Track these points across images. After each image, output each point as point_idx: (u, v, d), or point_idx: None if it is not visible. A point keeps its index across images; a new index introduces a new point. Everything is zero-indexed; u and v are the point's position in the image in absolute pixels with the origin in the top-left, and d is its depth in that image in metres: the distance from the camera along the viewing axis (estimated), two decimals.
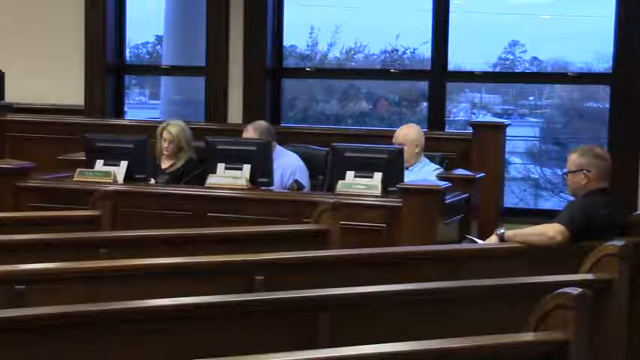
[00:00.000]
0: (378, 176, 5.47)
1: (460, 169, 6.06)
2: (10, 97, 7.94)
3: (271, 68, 7.79)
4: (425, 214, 5.11)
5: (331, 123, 8.78)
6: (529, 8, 8.41)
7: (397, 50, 8.59)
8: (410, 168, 6.02)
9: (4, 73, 7.92)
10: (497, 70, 8.48)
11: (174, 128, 6.43)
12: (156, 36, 9.35)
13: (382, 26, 8.45)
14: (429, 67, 7.53)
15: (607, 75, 7.22)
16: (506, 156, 7.13)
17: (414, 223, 5.10)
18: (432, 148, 6.33)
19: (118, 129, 7.27)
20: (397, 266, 4.17)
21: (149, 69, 9.30)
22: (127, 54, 8.51)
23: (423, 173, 5.98)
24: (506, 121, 7.10)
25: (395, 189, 5.35)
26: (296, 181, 5.91)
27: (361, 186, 5.45)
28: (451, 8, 7.37)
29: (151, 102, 10.07)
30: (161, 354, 3.05)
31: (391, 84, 8.79)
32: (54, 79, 8.15)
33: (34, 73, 8.16)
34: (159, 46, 9.33)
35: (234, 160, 5.79)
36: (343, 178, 5.53)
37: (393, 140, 6.14)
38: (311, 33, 8.65)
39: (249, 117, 7.31)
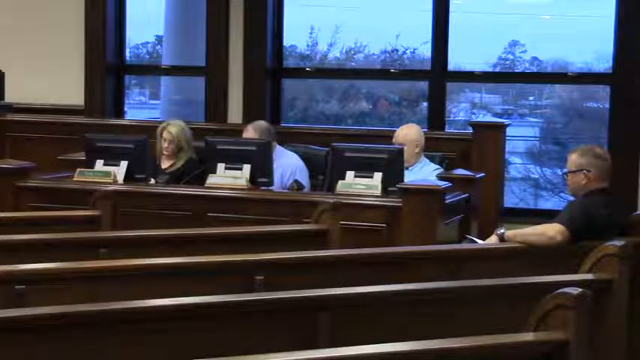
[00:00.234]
0: (378, 176, 5.47)
1: (460, 169, 6.06)
2: (10, 97, 7.94)
3: (271, 68, 7.79)
4: (425, 214, 5.11)
5: (331, 123, 8.78)
6: (529, 8, 8.41)
7: (397, 50, 8.59)
8: (410, 168, 6.02)
9: (4, 73, 7.92)
10: (497, 70, 8.48)
11: (174, 128, 6.43)
12: (156, 36, 9.36)
13: (382, 26, 8.45)
14: (429, 67, 7.53)
15: (607, 75, 7.22)
16: (506, 156, 7.13)
17: (414, 223, 5.10)
18: (432, 148, 6.33)
19: (118, 129, 7.27)
20: (397, 266, 4.17)
21: (149, 69, 9.30)
22: (127, 54, 8.51)
23: (423, 173, 5.98)
24: (506, 121, 7.10)
25: (395, 189, 5.35)
26: (296, 181, 5.91)
27: (361, 186, 5.45)
28: (451, 8, 7.37)
29: (151, 102, 10.07)
30: (161, 354, 3.05)
31: (391, 84, 8.79)
32: (54, 79, 8.15)
33: (34, 73, 8.16)
34: (159, 46, 9.33)
35: (234, 160, 5.79)
36: (343, 178, 5.53)
37: (393, 140, 6.14)
38: (311, 33, 8.65)
39: (249, 117, 7.31)
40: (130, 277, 3.70)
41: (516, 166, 9.09)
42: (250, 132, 6.33)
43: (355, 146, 5.82)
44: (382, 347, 2.71)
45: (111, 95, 8.17)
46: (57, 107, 8.01)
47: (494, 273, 3.90)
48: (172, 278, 3.75)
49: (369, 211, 5.29)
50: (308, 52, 8.74)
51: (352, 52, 8.79)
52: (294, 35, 8.28)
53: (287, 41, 8.07)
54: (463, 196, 5.62)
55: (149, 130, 6.72)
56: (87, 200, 5.01)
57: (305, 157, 6.39)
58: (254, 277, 3.78)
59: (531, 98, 9.16)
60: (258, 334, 3.19)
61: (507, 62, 8.66)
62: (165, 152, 6.41)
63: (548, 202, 8.82)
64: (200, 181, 5.94)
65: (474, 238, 5.07)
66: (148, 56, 9.60)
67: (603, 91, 7.61)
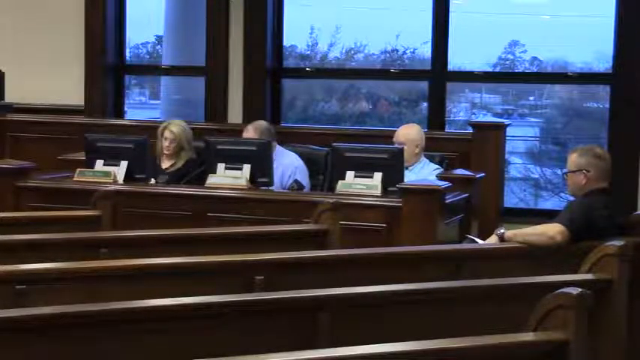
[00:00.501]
0: (378, 176, 5.47)
1: (460, 169, 6.06)
2: (10, 97, 7.94)
3: (271, 68, 7.79)
4: (425, 214, 5.11)
5: (331, 123, 8.78)
6: (529, 8, 8.41)
7: (397, 50, 8.59)
8: (410, 168, 6.02)
9: (4, 73, 7.92)
10: (497, 70, 8.47)
11: (175, 127, 6.43)
12: (156, 36, 9.35)
13: (382, 26, 8.45)
14: (429, 67, 7.53)
15: (607, 75, 7.22)
16: (506, 156, 7.13)
17: (414, 223, 5.11)
18: (432, 148, 6.33)
19: (118, 129, 7.26)
20: (397, 266, 4.17)
21: (149, 69, 9.29)
22: (127, 54, 8.51)
23: (423, 173, 5.98)
24: (506, 121, 7.10)
25: (395, 189, 5.35)
26: (296, 181, 5.91)
27: (361, 186, 5.45)
28: (451, 8, 7.37)
29: (151, 102, 10.06)
30: (161, 354, 3.05)
31: (391, 84, 8.78)
32: (54, 79, 8.15)
33: (34, 73, 8.16)
34: (159, 46, 9.33)
35: (234, 160, 5.79)
36: (343, 178, 5.53)
37: (394, 140, 6.14)
38: (311, 33, 8.65)
39: (249, 117, 7.31)
40: (130, 277, 3.70)
41: (516, 166, 9.09)
42: (250, 132, 6.33)
43: (355, 146, 5.82)
44: (382, 347, 2.71)
45: (111, 95, 8.17)
46: (57, 107, 8.01)
47: (494, 273, 3.90)
48: (172, 278, 3.75)
49: (369, 211, 5.29)
50: (308, 52, 8.74)
51: (352, 52, 8.79)
52: (294, 35, 8.28)
53: (287, 41, 8.06)
54: (463, 196, 5.62)
55: (149, 130, 6.72)
56: (87, 200, 5.01)
57: (305, 157, 6.39)
58: (254, 277, 3.78)
59: (531, 98, 9.15)
60: (258, 334, 3.19)
61: (507, 62, 8.66)
62: (166, 152, 6.41)
63: (548, 202, 8.81)
64: (200, 181, 5.94)
65: (475, 238, 5.06)
66: (148, 56, 9.59)
67: (603, 91, 7.61)
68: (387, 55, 8.67)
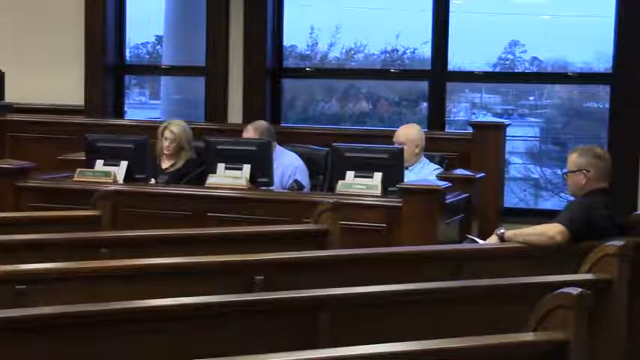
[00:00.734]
0: (378, 176, 5.47)
1: (460, 169, 6.06)
2: (10, 97, 7.94)
3: (271, 68, 7.79)
4: (425, 214, 5.11)
5: (331, 123, 8.77)
6: (529, 8, 8.41)
7: (397, 50, 8.58)
8: (410, 168, 6.02)
9: (4, 73, 7.92)
10: (497, 70, 8.47)
11: (176, 127, 6.43)
12: (156, 36, 9.35)
13: (382, 26, 8.45)
14: (429, 67, 7.53)
15: (607, 75, 7.22)
16: (506, 156, 7.13)
17: (414, 223, 5.11)
18: (432, 148, 6.33)
19: (118, 129, 7.26)
20: (397, 266, 4.17)
21: (149, 69, 9.29)
22: (127, 54, 8.51)
23: (423, 173, 5.98)
24: (506, 121, 7.09)
25: (395, 189, 5.35)
26: (296, 181, 5.91)
27: (361, 186, 5.45)
28: (451, 8, 7.37)
29: (151, 102, 10.06)
30: (161, 354, 3.05)
31: (391, 84, 8.78)
32: (54, 79, 8.15)
33: (34, 73, 8.16)
34: (159, 46, 9.33)
35: (234, 160, 5.79)
36: (343, 178, 5.53)
37: (394, 140, 6.14)
38: (311, 33, 8.65)
39: (249, 117, 7.31)
40: (130, 277, 3.70)
41: (516, 166, 9.09)
42: (250, 132, 6.33)
43: (355, 146, 5.82)
44: (382, 347, 2.71)
45: (111, 95, 8.17)
46: (57, 107, 8.01)
47: (495, 273, 3.90)
48: (172, 278, 3.75)
49: (369, 211, 5.29)
50: (308, 52, 8.74)
51: (352, 52, 8.79)
52: (294, 35, 8.28)
53: (287, 41, 8.06)
54: (463, 196, 5.62)
55: (149, 130, 6.72)
56: (87, 200, 5.01)
57: (305, 157, 6.39)
58: (254, 277, 3.78)
59: (531, 98, 9.15)
60: (258, 334, 3.19)
61: (507, 62, 8.66)
62: (166, 151, 6.40)
63: (548, 202, 8.81)
64: (200, 181, 5.94)
65: (475, 238, 5.07)
66: (148, 56, 9.59)
67: (603, 91, 7.61)
68: (387, 55, 8.67)
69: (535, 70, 8.32)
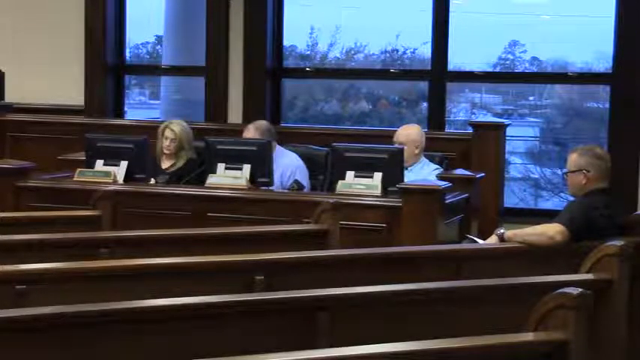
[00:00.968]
0: (378, 176, 5.47)
1: (460, 169, 6.06)
2: (10, 97, 7.94)
3: (271, 68, 7.79)
4: (425, 214, 5.11)
5: (331, 123, 8.78)
6: (529, 8, 8.41)
7: (397, 50, 8.59)
8: (410, 168, 6.02)
9: (4, 73, 7.92)
10: (497, 70, 8.48)
11: (176, 127, 6.43)
12: (156, 36, 9.35)
13: (382, 26, 8.45)
14: (429, 67, 7.53)
15: (607, 75, 7.22)
16: (506, 156, 7.13)
17: (414, 223, 5.10)
18: (432, 148, 6.33)
19: (118, 129, 7.26)
20: (397, 266, 4.17)
21: (149, 69, 9.29)
22: (127, 54, 8.51)
23: (422, 173, 5.98)
24: (506, 121, 7.09)
25: (395, 189, 5.35)
26: (296, 181, 5.91)
27: (361, 186, 5.45)
28: (451, 8, 7.36)
29: (151, 102, 10.06)
30: (161, 354, 3.05)
31: (391, 84, 8.79)
32: (54, 79, 8.15)
33: (34, 73, 8.16)
34: (159, 46, 9.33)
35: (234, 160, 5.79)
36: (343, 178, 5.53)
37: (394, 140, 6.14)
38: (311, 33, 8.65)
39: (249, 117, 7.31)
40: (130, 277, 3.70)
41: (516, 166, 9.09)
42: (251, 131, 6.32)
43: (355, 146, 5.82)
44: (382, 347, 2.71)
45: (111, 95, 8.17)
46: (57, 107, 8.01)
47: (494, 273, 3.90)
48: (172, 278, 3.75)
49: (369, 211, 5.29)
50: (308, 52, 8.74)
51: (352, 52, 8.79)
52: (294, 35, 8.28)
53: (287, 41, 8.06)
54: (463, 196, 5.62)
55: (149, 130, 6.71)
56: (87, 200, 5.01)
57: (305, 157, 6.39)
58: (254, 277, 3.78)
59: (531, 98, 9.16)
60: (258, 334, 3.19)
61: (507, 62, 8.66)
62: (166, 151, 6.40)
63: (548, 202, 8.82)
64: (200, 181, 5.94)
65: (475, 238, 5.07)
66: (148, 56, 9.60)
67: (603, 91, 7.61)
68: (387, 55, 8.67)
69: (535, 70, 8.33)
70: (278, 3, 7.80)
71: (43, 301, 3.18)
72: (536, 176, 9.10)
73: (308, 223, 4.73)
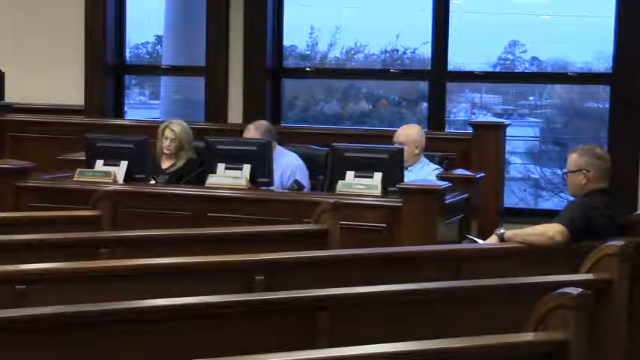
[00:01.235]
0: (378, 176, 5.47)
1: (460, 169, 6.06)
2: (10, 97, 7.94)
3: (271, 68, 7.79)
4: (425, 214, 5.11)
5: (331, 123, 8.78)
6: (529, 8, 8.41)
7: (397, 50, 8.59)
8: (409, 168, 6.02)
9: (4, 73, 7.92)
10: (497, 70, 8.48)
11: (177, 126, 6.43)
12: (156, 36, 9.35)
13: (382, 26, 8.45)
14: (429, 67, 7.53)
15: (607, 75, 7.22)
16: (506, 156, 7.13)
17: (414, 223, 5.10)
18: (432, 148, 6.33)
19: (118, 129, 7.26)
20: (397, 266, 4.17)
21: (149, 69, 9.29)
22: (127, 54, 8.51)
23: (422, 173, 5.98)
24: (506, 121, 7.09)
25: (395, 189, 5.35)
26: (296, 181, 5.91)
27: (361, 186, 5.45)
28: (451, 8, 7.36)
29: (151, 102, 10.06)
30: (161, 354, 3.05)
31: (391, 84, 8.79)
32: (54, 79, 8.15)
33: (34, 73, 8.16)
34: (159, 46, 9.33)
35: (234, 160, 5.79)
36: (343, 178, 5.53)
37: (394, 140, 6.14)
38: (311, 33, 8.65)
39: (249, 117, 7.31)
40: (130, 277, 3.70)
41: (516, 166, 9.09)
42: (252, 131, 6.32)
43: (355, 146, 5.82)
44: (382, 347, 2.71)
45: (111, 95, 8.17)
46: (57, 107, 8.01)
47: (494, 273, 3.90)
48: (172, 278, 3.75)
49: (369, 211, 5.29)
50: (308, 52, 8.74)
51: (352, 52, 8.79)
52: (294, 35, 8.28)
53: (287, 41, 8.06)
54: (463, 196, 5.62)
55: (149, 130, 6.71)
56: (87, 200, 5.02)
57: (305, 157, 6.39)
58: (254, 277, 3.78)
59: (531, 98, 9.16)
60: (258, 334, 3.19)
61: (507, 62, 8.67)
62: (166, 151, 6.40)
63: (548, 202, 8.82)
64: (200, 181, 5.94)
65: (474, 238, 5.07)
66: (148, 56, 9.60)
67: (603, 91, 7.61)
68: (387, 55, 8.67)
69: (535, 70, 8.33)
70: (278, 3, 7.80)
71: (43, 301, 3.18)
72: (536, 176, 9.10)
73: (308, 223, 4.73)
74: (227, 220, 5.37)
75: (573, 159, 4.71)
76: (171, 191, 5.77)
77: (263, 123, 6.47)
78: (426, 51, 7.78)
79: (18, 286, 3.49)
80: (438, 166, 6.18)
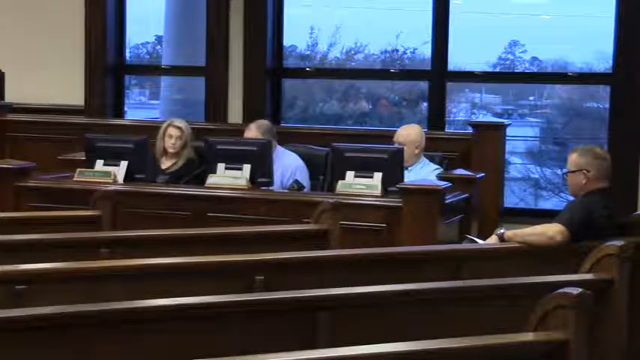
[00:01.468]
0: (378, 176, 5.47)
1: (460, 169, 6.06)
2: (10, 97, 7.94)
3: (271, 68, 7.79)
4: (425, 214, 5.11)
5: (331, 123, 8.78)
6: (529, 8, 8.42)
7: (397, 50, 8.58)
8: (409, 168, 6.02)
9: (4, 73, 7.92)
10: (497, 70, 8.48)
11: (181, 123, 6.45)
12: (156, 36, 9.35)
13: (382, 26, 8.45)
14: (429, 67, 7.53)
15: (607, 75, 7.22)
16: (507, 156, 7.13)
17: (414, 223, 5.10)
18: (432, 148, 6.33)
19: (118, 129, 7.26)
20: (397, 266, 4.17)
21: (149, 69, 9.29)
22: (127, 54, 8.51)
23: (422, 173, 5.98)
24: (506, 121, 7.10)
25: (395, 189, 5.35)
26: (296, 181, 5.91)
27: (361, 186, 5.45)
28: (451, 8, 7.36)
29: (151, 102, 10.06)
30: (161, 354, 3.05)
31: (391, 84, 8.78)
32: (54, 79, 8.15)
33: (34, 73, 8.16)
34: (159, 46, 9.33)
35: (234, 160, 5.79)
36: (343, 178, 5.54)
37: (394, 140, 6.14)
38: (311, 33, 8.65)
39: (249, 117, 7.31)
40: (130, 277, 3.70)
41: (516, 166, 9.09)
42: (253, 131, 6.32)
43: (355, 146, 5.82)
44: (382, 347, 2.71)
45: (111, 95, 8.17)
46: (57, 107, 8.01)
47: (495, 273, 3.90)
48: (172, 278, 3.75)
49: (369, 211, 5.29)
50: (308, 52, 8.74)
51: (352, 52, 8.79)
52: (294, 35, 8.27)
53: (287, 41, 8.06)
54: (463, 196, 5.62)
55: (149, 130, 6.72)
56: (87, 200, 5.02)
57: (305, 157, 6.39)
58: (254, 277, 3.78)
59: (531, 98, 9.16)
60: (258, 334, 3.19)
61: (507, 62, 8.66)
62: (171, 149, 6.39)
63: (548, 202, 8.82)
64: (200, 181, 5.94)
65: (474, 238, 5.07)
66: (148, 56, 9.59)
67: (603, 91, 7.61)
68: (387, 55, 8.67)
69: (535, 70, 8.33)
70: (278, 3, 7.80)
71: (43, 301, 3.19)
72: (536, 176, 9.10)
73: (308, 223, 4.73)
74: (227, 220, 5.37)
75: (573, 159, 4.72)
76: (172, 191, 5.77)
77: (264, 122, 6.47)
78: (426, 51, 7.77)
79: (18, 286, 3.49)
80: (438, 166, 6.18)
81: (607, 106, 7.21)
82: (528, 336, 2.86)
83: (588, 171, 4.66)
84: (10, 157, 6.85)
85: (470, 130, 6.75)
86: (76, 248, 4.21)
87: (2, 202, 5.63)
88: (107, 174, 5.87)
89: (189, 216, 5.52)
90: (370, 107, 9.09)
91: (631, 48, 6.89)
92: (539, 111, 9.12)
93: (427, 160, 6.19)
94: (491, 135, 6.58)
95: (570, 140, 8.57)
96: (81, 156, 6.23)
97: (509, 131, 6.86)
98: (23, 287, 3.50)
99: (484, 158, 6.44)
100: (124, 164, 5.93)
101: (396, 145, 5.93)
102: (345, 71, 8.69)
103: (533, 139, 9.32)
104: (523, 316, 2.92)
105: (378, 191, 5.41)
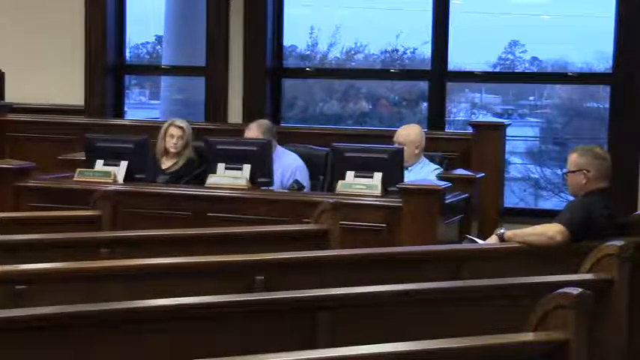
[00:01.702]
0: (378, 176, 5.47)
1: (460, 169, 6.06)
2: (10, 97, 7.94)
3: (271, 68, 7.79)
4: (425, 214, 5.11)
5: (331, 123, 8.78)
6: (529, 8, 8.42)
7: (397, 50, 8.58)
8: (409, 168, 6.02)
9: (4, 73, 7.92)
10: (497, 70, 8.48)
11: (182, 123, 6.45)
12: (156, 36, 9.35)
13: (382, 26, 8.45)
14: (429, 67, 7.53)
15: (607, 75, 7.22)
16: (507, 156, 7.13)
17: (414, 223, 5.11)
18: (432, 148, 6.33)
19: (118, 129, 7.26)
20: (397, 266, 4.17)
21: (149, 69, 9.29)
22: (127, 54, 8.51)
23: (422, 173, 5.98)
24: (506, 121, 7.10)
25: (395, 189, 5.35)
26: (296, 181, 5.91)
27: (361, 186, 5.45)
28: (451, 8, 7.36)
29: (151, 102, 10.06)
30: (161, 354, 3.05)
31: (391, 84, 8.78)
32: (54, 79, 8.15)
33: (34, 73, 8.16)
34: (159, 46, 9.33)
35: (234, 160, 5.79)
36: (343, 178, 5.54)
37: (394, 140, 6.14)
38: (311, 33, 8.65)
39: (249, 117, 7.31)
40: (130, 277, 3.70)
41: (516, 166, 9.09)
42: (253, 130, 6.32)
43: (355, 146, 5.82)
44: (382, 347, 2.71)
45: (111, 95, 8.17)
46: (57, 107, 8.01)
47: (495, 273, 3.90)
48: (172, 278, 3.75)
49: (369, 211, 5.29)
50: (308, 52, 8.74)
51: (352, 52, 8.79)
52: (294, 35, 8.27)
53: (287, 41, 8.06)
54: (463, 196, 5.62)
55: (149, 130, 6.72)
56: (87, 200, 5.02)
57: (305, 157, 6.39)
58: (254, 277, 3.78)
59: (531, 98, 9.16)
60: (258, 334, 3.19)
61: (507, 62, 8.66)
62: (173, 149, 6.39)
63: (548, 202, 8.82)
64: (200, 181, 5.94)
65: (474, 238, 5.07)
66: (148, 56, 9.59)
67: (603, 91, 7.61)
68: (387, 55, 8.67)
69: (535, 70, 8.33)
70: (278, 3, 7.80)
71: (43, 301, 3.19)
72: (536, 176, 9.10)
73: (308, 223, 4.73)
74: (227, 220, 5.37)
75: (573, 159, 4.72)
76: (172, 191, 5.78)
77: (265, 122, 6.47)
78: (426, 51, 7.77)
79: (18, 286, 3.49)
80: (438, 166, 6.18)
81: (607, 106, 7.21)
82: (528, 336, 2.86)
83: (588, 171, 4.66)
84: (10, 157, 6.85)
85: (470, 130, 6.75)
86: (76, 248, 4.21)
87: (2, 202, 5.63)
88: (107, 174, 5.87)
89: (189, 216, 5.52)
90: (370, 107, 9.09)
91: (631, 48, 6.89)
92: (539, 111, 9.12)
93: (427, 160, 6.19)
94: (491, 135, 6.58)
95: (570, 140, 8.57)
96: (81, 156, 6.23)
97: (509, 131, 6.86)
98: (23, 287, 3.50)
99: (484, 158, 6.44)
100: (124, 164, 5.93)
101: (396, 145, 5.93)
102: (345, 71, 8.69)
103: (533, 139, 9.32)
104: (523, 316, 2.92)
105: (378, 191, 5.41)
